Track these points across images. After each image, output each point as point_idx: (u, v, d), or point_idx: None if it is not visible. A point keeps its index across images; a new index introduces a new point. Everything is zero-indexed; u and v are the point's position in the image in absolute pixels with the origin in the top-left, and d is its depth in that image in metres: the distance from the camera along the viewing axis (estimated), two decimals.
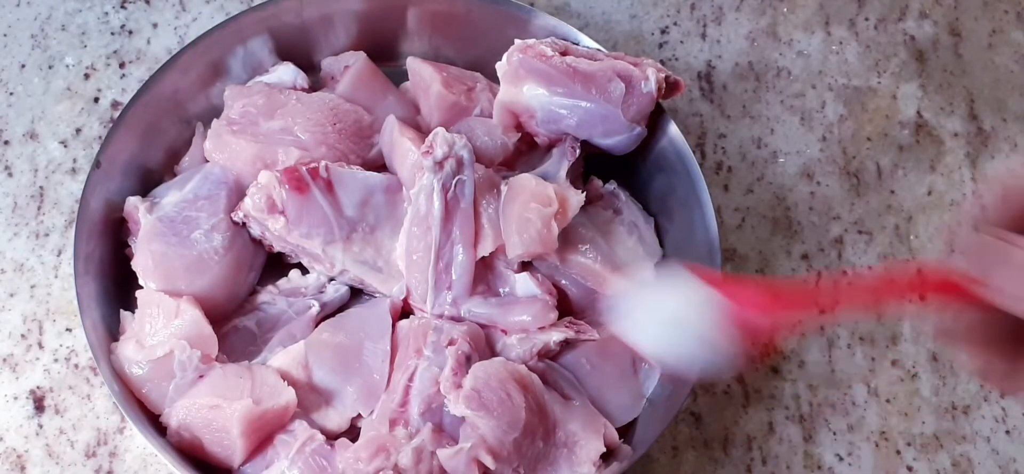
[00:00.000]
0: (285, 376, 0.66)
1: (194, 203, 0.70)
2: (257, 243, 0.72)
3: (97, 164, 0.70)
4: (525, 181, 0.70)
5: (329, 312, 0.71)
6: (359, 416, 0.68)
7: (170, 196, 0.71)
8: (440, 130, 0.69)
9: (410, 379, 0.67)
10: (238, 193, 0.71)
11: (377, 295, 0.72)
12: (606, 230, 0.74)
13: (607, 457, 0.67)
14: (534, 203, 0.68)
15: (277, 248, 0.72)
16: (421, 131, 0.74)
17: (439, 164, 0.68)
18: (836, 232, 0.83)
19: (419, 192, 0.69)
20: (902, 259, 0.82)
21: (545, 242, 0.68)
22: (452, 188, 0.68)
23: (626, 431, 0.70)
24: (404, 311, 0.72)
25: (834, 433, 0.76)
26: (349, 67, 0.77)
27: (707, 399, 0.76)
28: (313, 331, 0.69)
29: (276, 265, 0.73)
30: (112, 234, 0.71)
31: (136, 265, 0.69)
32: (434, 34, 0.81)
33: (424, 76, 0.77)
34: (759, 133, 0.86)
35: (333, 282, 0.72)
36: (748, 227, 0.83)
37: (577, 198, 0.70)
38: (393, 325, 0.70)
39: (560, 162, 0.74)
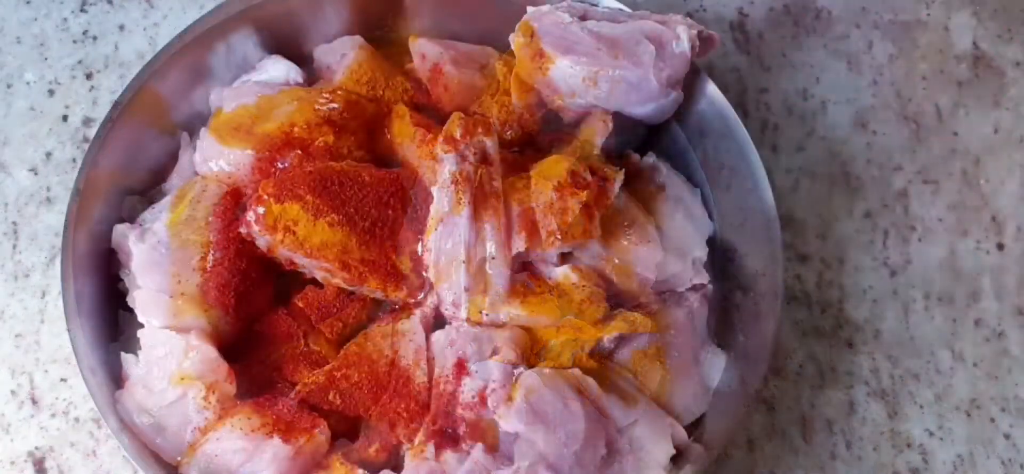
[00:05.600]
0: (314, 406, 0.62)
1: (190, 223, 0.65)
2: (266, 258, 0.66)
3: (76, 191, 0.65)
4: (556, 164, 0.65)
5: (352, 331, 0.66)
6: (400, 442, 0.63)
7: (161, 219, 0.66)
8: (458, 115, 0.64)
9: (453, 396, 0.62)
10: (237, 206, 0.66)
11: (404, 306, 0.66)
12: (650, 208, 0.69)
13: (677, 459, 0.63)
14: (568, 188, 0.64)
15: (288, 264, 0.66)
16: (434, 118, 0.70)
17: (461, 155, 0.63)
18: (899, 184, 0.79)
19: (441, 188, 0.64)
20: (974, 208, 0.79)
21: (585, 229, 0.64)
22: (477, 180, 0.63)
23: (694, 428, 0.66)
24: (437, 321, 0.67)
25: (921, 406, 0.72)
26: (345, 55, 0.73)
27: (779, 382, 0.72)
28: (338, 353, 0.64)
29: (290, 282, 0.67)
30: (101, 267, 0.67)
31: (133, 302, 0.64)
32: (436, 8, 0.75)
33: (431, 56, 0.72)
34: (804, 83, 0.82)
35: (353, 295, 0.66)
36: (803, 189, 0.78)
37: (615, 177, 0.66)
38: (426, 338, 0.65)
39: (592, 139, 0.69)
